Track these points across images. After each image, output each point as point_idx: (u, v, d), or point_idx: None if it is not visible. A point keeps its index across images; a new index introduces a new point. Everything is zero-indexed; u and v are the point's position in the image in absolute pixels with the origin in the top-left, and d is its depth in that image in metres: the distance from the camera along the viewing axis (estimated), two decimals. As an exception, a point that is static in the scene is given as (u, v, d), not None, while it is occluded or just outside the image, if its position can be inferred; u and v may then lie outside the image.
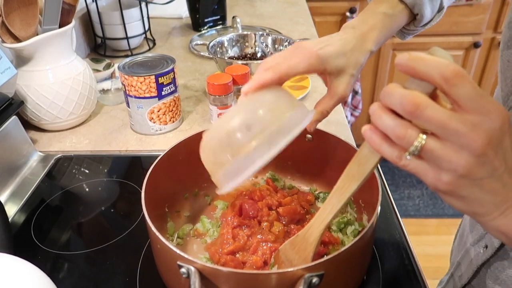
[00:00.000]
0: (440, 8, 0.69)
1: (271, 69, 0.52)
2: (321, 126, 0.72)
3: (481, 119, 0.33)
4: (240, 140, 0.46)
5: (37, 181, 0.85)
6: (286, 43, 1.11)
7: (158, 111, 0.94)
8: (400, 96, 0.35)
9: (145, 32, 1.39)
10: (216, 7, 1.53)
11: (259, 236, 0.62)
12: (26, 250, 0.70)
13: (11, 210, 0.77)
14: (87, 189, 0.85)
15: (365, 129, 0.39)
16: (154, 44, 1.44)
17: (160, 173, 0.64)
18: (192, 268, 0.47)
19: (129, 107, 0.95)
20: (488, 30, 2.16)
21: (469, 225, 0.68)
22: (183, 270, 0.48)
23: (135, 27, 1.35)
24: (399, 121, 0.36)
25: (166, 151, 0.66)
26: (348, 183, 0.47)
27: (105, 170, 0.89)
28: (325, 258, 0.48)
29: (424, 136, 0.35)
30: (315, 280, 0.46)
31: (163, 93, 0.92)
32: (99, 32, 1.34)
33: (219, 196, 0.75)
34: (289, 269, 0.47)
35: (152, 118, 0.95)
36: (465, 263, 0.63)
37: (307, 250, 0.54)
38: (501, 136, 0.34)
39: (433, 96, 0.37)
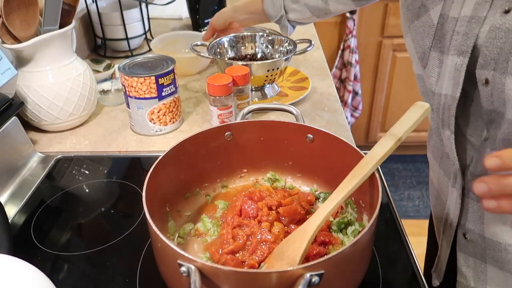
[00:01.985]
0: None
1: None
2: (321, 126, 0.72)
3: None
4: None
5: (37, 182, 0.85)
6: (286, 44, 1.11)
7: (158, 112, 0.94)
8: None
9: (145, 33, 1.39)
10: (216, 8, 1.53)
11: (258, 237, 0.62)
12: (26, 251, 0.70)
13: (11, 211, 0.77)
14: (87, 190, 0.85)
15: (488, 205, 0.45)
16: (154, 45, 1.44)
17: (161, 173, 0.64)
18: (192, 267, 0.47)
19: (129, 108, 0.95)
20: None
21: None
22: (183, 269, 0.48)
23: (135, 28, 1.35)
24: None
25: (168, 150, 0.66)
26: (349, 181, 0.48)
27: (105, 171, 0.89)
28: (325, 257, 0.48)
29: None
30: (314, 279, 0.46)
31: (163, 94, 0.92)
32: (99, 33, 1.35)
33: (220, 196, 0.76)
34: (289, 268, 0.46)
35: (152, 119, 0.95)
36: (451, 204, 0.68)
37: (303, 239, 0.55)
38: None
39: None
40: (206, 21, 1.53)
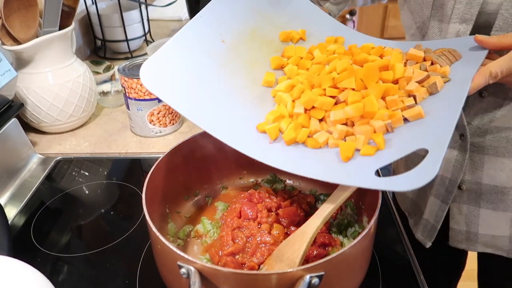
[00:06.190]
0: None
1: None
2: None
3: None
4: None
5: (37, 184, 0.85)
6: (286, 45, 1.11)
7: (158, 113, 0.94)
8: None
9: (145, 35, 1.39)
10: (215, 9, 1.53)
11: (258, 238, 0.62)
12: (25, 252, 0.70)
13: (11, 213, 0.77)
14: (86, 192, 0.84)
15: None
16: (154, 46, 1.44)
17: (160, 174, 0.64)
18: (192, 268, 0.47)
19: (129, 109, 0.95)
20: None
21: None
22: (183, 270, 0.48)
23: (135, 30, 1.35)
24: None
25: (167, 152, 0.66)
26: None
27: (105, 173, 0.89)
28: (325, 258, 0.48)
29: None
30: (314, 280, 0.46)
31: (163, 95, 0.92)
32: (99, 34, 1.35)
33: (220, 198, 0.76)
34: (289, 270, 0.46)
35: (152, 121, 0.95)
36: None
37: (302, 240, 0.55)
38: None
39: None
40: (205, 22, 1.53)
